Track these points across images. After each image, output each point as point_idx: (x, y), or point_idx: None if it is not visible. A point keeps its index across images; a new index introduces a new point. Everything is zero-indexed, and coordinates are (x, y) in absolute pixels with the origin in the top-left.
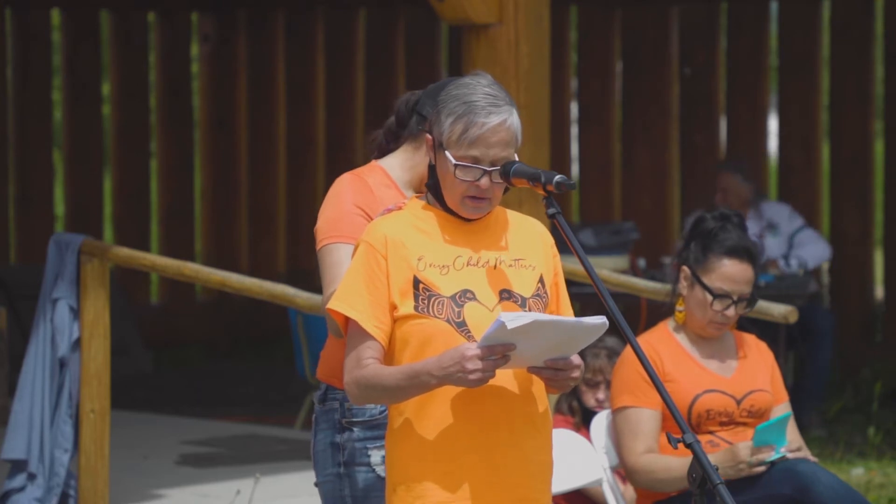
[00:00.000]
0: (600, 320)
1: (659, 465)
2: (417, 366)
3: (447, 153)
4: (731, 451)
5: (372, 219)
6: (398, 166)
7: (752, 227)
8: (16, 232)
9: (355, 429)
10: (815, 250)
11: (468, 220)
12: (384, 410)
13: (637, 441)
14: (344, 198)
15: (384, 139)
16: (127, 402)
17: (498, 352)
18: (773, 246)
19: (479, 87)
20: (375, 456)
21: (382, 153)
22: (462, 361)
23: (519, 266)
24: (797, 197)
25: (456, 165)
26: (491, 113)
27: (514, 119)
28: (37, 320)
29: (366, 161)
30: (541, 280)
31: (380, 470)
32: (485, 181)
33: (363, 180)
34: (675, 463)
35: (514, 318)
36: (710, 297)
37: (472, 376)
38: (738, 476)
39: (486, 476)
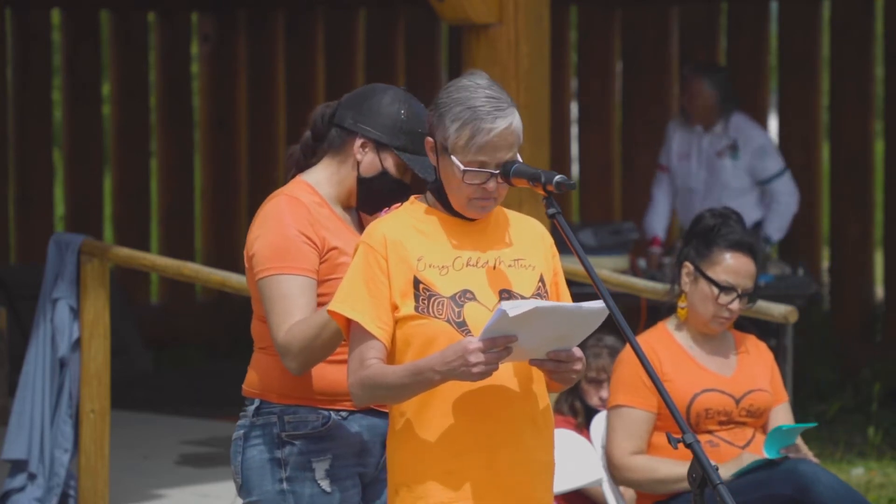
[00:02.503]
0: (600, 304)
1: (645, 467)
2: (421, 363)
3: (454, 158)
4: (738, 460)
5: (315, 244)
6: (325, 182)
7: (715, 144)
8: (16, 232)
9: (297, 442)
10: (784, 214)
11: (468, 220)
12: (326, 422)
13: (628, 440)
14: (286, 223)
15: (301, 154)
16: (127, 402)
17: (500, 344)
18: (727, 169)
19: (479, 90)
20: (319, 469)
21: (300, 168)
22: (465, 355)
23: (518, 266)
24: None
25: (465, 171)
26: (497, 118)
27: (517, 120)
28: (37, 320)
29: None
30: (541, 280)
31: (324, 484)
32: (492, 184)
33: (301, 202)
34: (661, 467)
35: (515, 307)
36: (715, 291)
37: (475, 370)
38: None
39: (487, 476)
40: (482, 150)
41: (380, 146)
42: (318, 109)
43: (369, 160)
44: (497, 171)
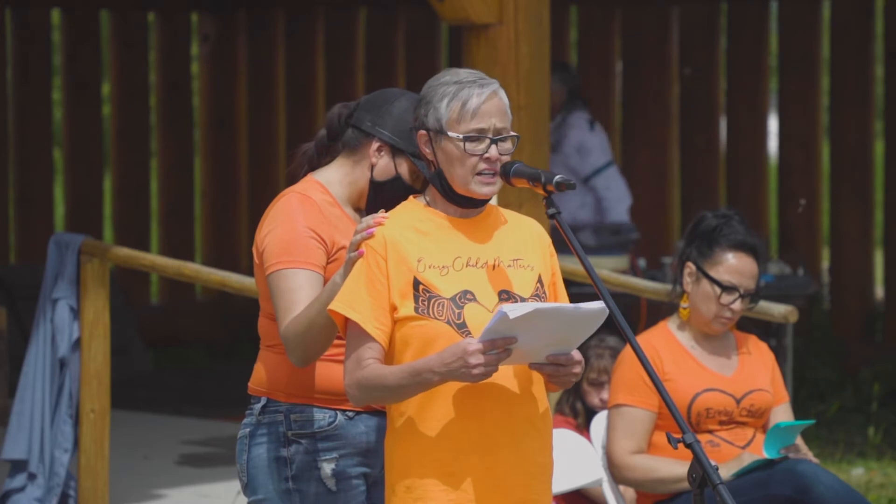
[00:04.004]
0: (599, 305)
1: (645, 467)
2: (419, 363)
3: (451, 133)
4: (738, 460)
5: (324, 241)
6: (337, 182)
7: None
8: (16, 232)
9: (304, 441)
10: (611, 208)
11: (467, 220)
12: (333, 421)
13: (629, 440)
14: (296, 220)
15: (315, 152)
16: (127, 402)
17: (499, 345)
18: (551, 162)
19: (460, 72)
20: (326, 468)
21: (313, 167)
22: (464, 356)
23: (517, 266)
24: (797, 197)
25: (464, 138)
26: (483, 85)
27: (502, 92)
28: (37, 320)
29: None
30: (539, 280)
31: (330, 483)
32: (493, 151)
33: (312, 200)
34: (661, 467)
35: (516, 309)
36: (717, 290)
37: (475, 371)
38: None
39: (486, 477)
40: (476, 116)
41: (395, 151)
42: (335, 109)
43: (384, 164)
44: (496, 138)
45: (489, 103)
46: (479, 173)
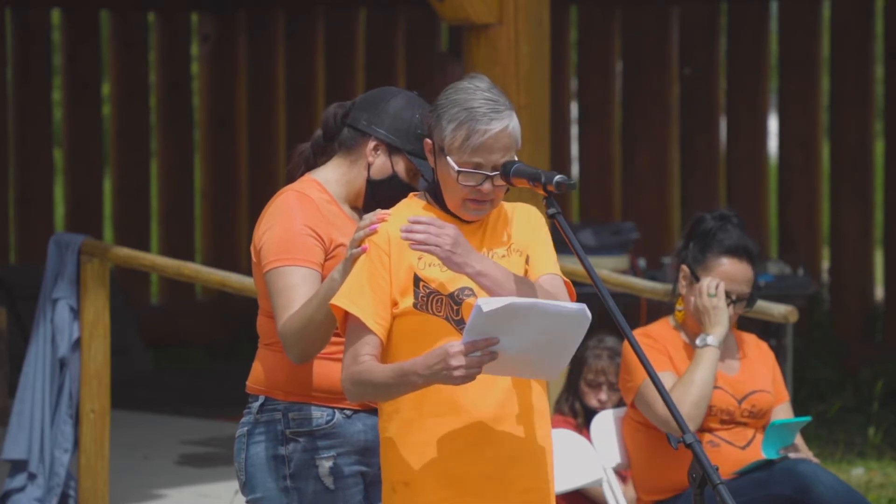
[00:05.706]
0: (579, 306)
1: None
2: (405, 365)
3: (449, 159)
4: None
5: (322, 239)
6: (335, 181)
7: None
8: (16, 232)
9: (301, 439)
10: None
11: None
12: (331, 420)
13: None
14: (294, 218)
15: (311, 152)
16: (127, 402)
17: (481, 346)
18: None
19: (478, 92)
20: (323, 466)
21: (309, 166)
22: (446, 359)
23: (511, 253)
24: (797, 197)
25: (459, 172)
26: (493, 119)
27: (514, 123)
28: (37, 320)
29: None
30: (527, 261)
31: (328, 481)
32: (487, 186)
33: (310, 198)
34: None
35: (490, 302)
36: None
37: (456, 373)
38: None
39: (487, 470)
40: (477, 151)
41: (392, 150)
42: (330, 109)
43: (381, 163)
44: (492, 174)
45: (495, 139)
46: (471, 200)
